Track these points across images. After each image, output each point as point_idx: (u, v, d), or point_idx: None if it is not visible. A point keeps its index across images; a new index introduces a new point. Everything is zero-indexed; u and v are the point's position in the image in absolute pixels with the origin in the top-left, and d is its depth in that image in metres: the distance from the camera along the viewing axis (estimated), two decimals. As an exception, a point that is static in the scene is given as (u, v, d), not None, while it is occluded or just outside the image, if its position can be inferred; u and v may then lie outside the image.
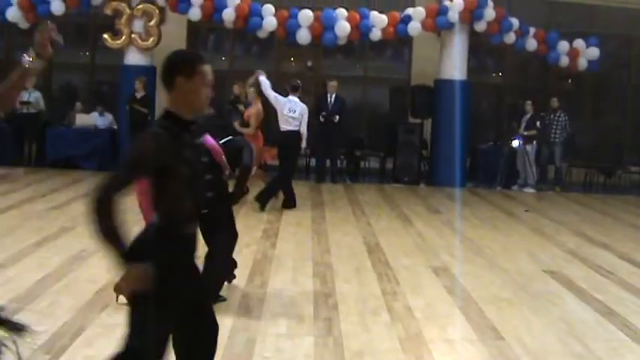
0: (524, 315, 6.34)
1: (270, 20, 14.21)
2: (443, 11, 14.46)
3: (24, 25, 14.72)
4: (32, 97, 14.93)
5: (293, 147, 11.14)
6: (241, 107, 12.87)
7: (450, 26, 14.56)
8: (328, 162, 14.35)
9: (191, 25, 16.11)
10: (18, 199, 10.74)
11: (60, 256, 7.39)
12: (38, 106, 14.99)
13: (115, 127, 15.11)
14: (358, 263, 7.88)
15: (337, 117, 13.98)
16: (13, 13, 14.34)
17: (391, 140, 15.42)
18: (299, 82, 11.55)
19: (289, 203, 11.10)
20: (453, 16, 14.41)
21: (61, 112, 15.95)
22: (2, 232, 8.50)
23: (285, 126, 11.09)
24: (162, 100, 13.96)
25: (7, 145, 14.89)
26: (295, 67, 17.80)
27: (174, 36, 15.59)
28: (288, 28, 14.29)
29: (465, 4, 14.35)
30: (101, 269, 6.99)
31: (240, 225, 9.58)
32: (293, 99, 11.20)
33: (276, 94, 11.17)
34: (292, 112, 11.06)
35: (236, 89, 14.02)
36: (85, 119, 15.00)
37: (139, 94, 14.16)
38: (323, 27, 14.24)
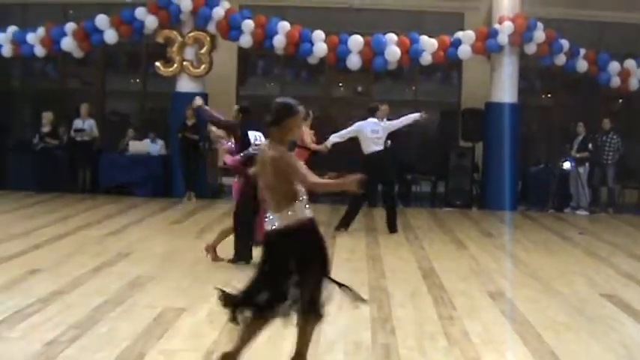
0: (583, 339, 6.24)
1: (320, 46, 14.32)
2: (492, 34, 14.42)
3: (78, 54, 15.08)
4: (86, 124, 15.26)
5: (380, 167, 11.17)
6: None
7: (500, 49, 14.51)
8: (380, 186, 14.30)
9: (242, 51, 16.29)
10: (74, 226, 10.95)
11: (118, 282, 7.50)
12: (92, 134, 15.31)
13: (167, 153, 15.34)
14: (414, 288, 7.84)
15: (389, 142, 13.95)
16: (67, 43, 14.70)
17: (442, 164, 15.35)
18: (376, 104, 11.69)
19: (344, 222, 11.17)
20: (503, 38, 14.36)
21: (114, 139, 16.23)
22: (60, 258, 8.67)
23: (373, 147, 11.16)
24: (214, 127, 14.02)
25: (62, 171, 15.23)
26: (345, 92, 17.88)
27: (225, 63, 15.84)
28: (338, 53, 14.37)
29: (514, 26, 14.29)
30: (159, 295, 7.10)
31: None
32: (372, 120, 11.31)
33: (353, 125, 11.28)
34: (376, 132, 11.22)
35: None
36: (138, 146, 15.25)
37: (190, 122, 14.35)
38: (373, 52, 14.29)
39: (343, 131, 11.40)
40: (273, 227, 4.76)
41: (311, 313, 4.74)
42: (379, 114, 14.34)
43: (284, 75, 17.70)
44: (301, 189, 4.75)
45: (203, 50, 14.63)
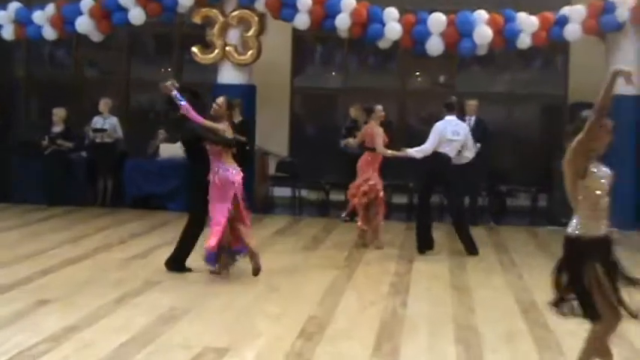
0: None
1: (393, 27, 14.21)
2: (609, 9, 14.13)
3: (96, 37, 15.24)
4: (107, 123, 15.41)
5: (444, 174, 11.22)
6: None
7: (618, 27, 14.20)
8: (467, 200, 14.15)
9: (297, 34, 16.31)
10: (92, 247, 11.04)
11: (145, 316, 7.50)
12: (114, 134, 15.46)
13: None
14: (510, 326, 7.72)
15: (478, 145, 13.79)
16: (83, 23, 14.85)
17: (544, 172, 15.11)
18: (454, 98, 11.64)
19: (426, 244, 11.27)
20: (622, 14, 14.05)
21: (142, 141, 16.36)
22: (75, 287, 8.73)
23: (445, 149, 11.20)
24: (263, 126, 14.28)
25: (77, 180, 15.42)
26: (423, 84, 17.76)
27: (277, 48, 15.85)
28: (415, 35, 14.25)
29: (638, -1, 14.00)
30: (196, 331, 7.09)
31: (362, 278, 9.68)
32: (451, 119, 11.30)
33: (432, 131, 11.25)
34: (456, 134, 11.23)
35: (353, 112, 14.07)
36: (171, 150, 15.30)
37: (235, 120, 14.33)
38: (458, 33, 14.13)
39: (427, 145, 11.22)
40: None
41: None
42: (467, 110, 14.24)
43: (348, 63, 17.66)
44: None
45: (250, 33, 14.66)
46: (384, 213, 11.82)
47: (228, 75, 14.89)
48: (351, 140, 12.34)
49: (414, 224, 11.63)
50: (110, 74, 18.57)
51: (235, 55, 14.71)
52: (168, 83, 9.35)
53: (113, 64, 18.29)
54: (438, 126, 11.26)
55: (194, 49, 14.91)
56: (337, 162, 14.85)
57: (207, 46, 14.84)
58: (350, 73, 17.55)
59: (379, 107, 11.83)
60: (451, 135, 11.17)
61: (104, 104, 15.60)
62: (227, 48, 14.70)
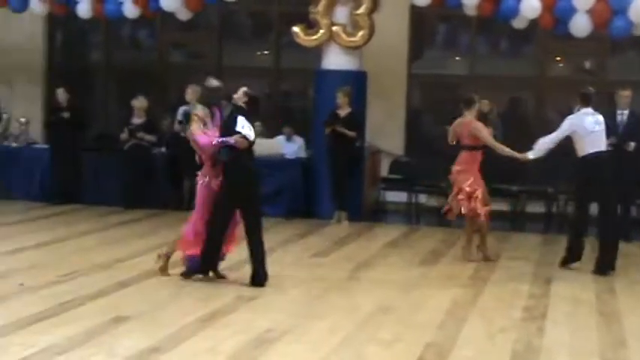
0: None
1: (530, 3, 14.00)
2: None
3: (184, 15, 15.44)
4: (195, 114, 15.56)
5: (600, 177, 11.12)
6: (490, 129, 12.77)
7: None
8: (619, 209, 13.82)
9: (415, 12, 16.23)
10: (175, 257, 11.11)
11: (237, 338, 7.51)
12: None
13: (309, 156, 15.52)
14: (671, 363, 7.53)
15: (632, 144, 13.48)
16: (169, 0, 15.08)
17: None
18: (591, 89, 11.44)
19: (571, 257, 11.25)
20: None
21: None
22: (156, 302, 8.82)
23: (594, 148, 11.06)
24: (375, 119, 14.29)
25: (160, 179, 15.62)
26: (566, 70, 17.51)
27: (392, 29, 15.82)
28: (557, 13, 14.02)
29: None
30: (296, 356, 7.08)
31: (489, 299, 9.54)
32: (588, 110, 11.17)
33: (564, 122, 11.20)
34: (598, 124, 11.14)
35: (485, 105, 13.90)
36: (267, 146, 15.39)
37: (343, 111, 14.38)
38: (610, 10, 13.85)
39: (554, 134, 11.27)
40: None
41: None
42: (619, 102, 13.96)
43: (476, 46, 17.53)
44: None
45: (361, 10, 14.66)
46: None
47: (335, 59, 14.93)
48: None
49: (553, 236, 11.45)
50: (198, 58, 18.83)
51: (343, 36, 14.73)
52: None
53: (202, 47, 18.54)
54: (572, 117, 11.23)
55: (295, 29, 14.99)
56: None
57: (310, 26, 14.89)
58: (478, 57, 17.39)
59: (485, 101, 11.88)
60: (593, 127, 11.04)
61: (191, 92, 15.66)
62: (334, 28, 14.73)
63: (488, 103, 14.11)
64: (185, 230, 9.84)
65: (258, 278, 9.64)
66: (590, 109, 11.18)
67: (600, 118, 11.18)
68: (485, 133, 11.62)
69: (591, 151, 11.00)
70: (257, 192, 10.19)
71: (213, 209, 9.67)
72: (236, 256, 11.18)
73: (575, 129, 11.09)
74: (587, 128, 11.03)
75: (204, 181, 9.80)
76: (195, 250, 9.67)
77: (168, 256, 10.00)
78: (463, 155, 11.64)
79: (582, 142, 11.05)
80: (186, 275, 9.78)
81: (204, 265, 9.77)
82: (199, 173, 9.89)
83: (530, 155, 11.35)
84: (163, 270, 9.92)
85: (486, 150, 11.72)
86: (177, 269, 9.95)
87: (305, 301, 9.08)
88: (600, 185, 11.10)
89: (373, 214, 15.27)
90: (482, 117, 13.79)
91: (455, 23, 17.44)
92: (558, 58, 17.49)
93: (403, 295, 9.54)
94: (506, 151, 11.51)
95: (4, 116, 16.46)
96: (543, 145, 11.29)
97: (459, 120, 11.78)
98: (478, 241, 11.74)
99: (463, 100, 11.93)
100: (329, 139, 14.43)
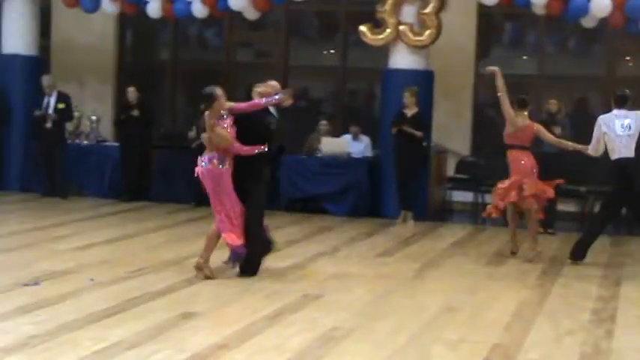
0: None
1: (600, 2, 13.85)
2: None
3: (252, 14, 15.51)
4: (263, 113, 15.61)
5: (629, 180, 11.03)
6: (557, 129, 12.69)
7: None
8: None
9: (483, 11, 16.14)
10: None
11: (303, 336, 7.51)
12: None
13: (375, 155, 15.50)
14: None
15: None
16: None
17: None
18: (627, 91, 11.36)
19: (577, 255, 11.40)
20: None
21: (301, 134, 16.54)
22: (223, 299, 8.86)
23: (620, 153, 10.96)
24: (441, 119, 14.25)
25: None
26: (635, 70, 17.27)
27: (460, 28, 15.76)
28: (627, 11, 13.84)
29: None
30: (361, 355, 7.07)
31: (557, 301, 9.43)
32: (620, 113, 11.08)
33: (598, 122, 11.17)
34: (627, 128, 10.98)
35: (553, 105, 13.79)
36: (333, 145, 15.44)
37: (410, 111, 14.34)
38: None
39: (594, 140, 11.19)
40: None
41: None
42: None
43: (543, 45, 17.38)
44: None
45: (428, 9, 14.61)
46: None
47: (402, 59, 14.91)
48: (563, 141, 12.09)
49: (621, 238, 11.32)
50: (265, 57, 18.87)
51: (410, 35, 14.68)
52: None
53: (269, 47, 18.59)
54: (602, 117, 11.20)
55: (362, 28, 14.98)
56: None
57: (377, 25, 14.87)
58: (545, 57, 17.24)
59: (553, 101, 11.90)
60: (621, 130, 10.92)
61: (259, 92, 15.74)
62: (401, 27, 14.70)
63: (556, 102, 13.99)
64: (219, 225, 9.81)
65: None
66: (622, 112, 11.04)
67: (630, 122, 10.98)
68: (549, 134, 11.62)
69: (617, 156, 10.92)
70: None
71: (261, 208, 9.88)
72: (303, 255, 11.29)
73: (604, 129, 11.00)
74: (616, 131, 10.93)
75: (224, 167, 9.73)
76: (236, 239, 9.63)
77: (206, 261, 9.82)
78: (516, 154, 11.69)
79: (610, 145, 10.99)
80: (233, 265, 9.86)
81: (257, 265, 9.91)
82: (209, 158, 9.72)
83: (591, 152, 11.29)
84: (210, 276, 9.69)
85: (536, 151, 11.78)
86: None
87: (370, 300, 9.07)
88: (627, 192, 11.03)
89: (439, 213, 15.21)
90: (550, 117, 13.71)
91: (522, 22, 17.30)
92: (628, 58, 17.26)
93: (469, 296, 9.48)
94: (571, 145, 11.54)
95: (76, 114, 16.66)
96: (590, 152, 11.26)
97: (517, 120, 11.69)
98: (511, 235, 11.92)
99: (517, 100, 11.86)
100: (396, 139, 14.39)
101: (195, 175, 9.80)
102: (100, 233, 12.37)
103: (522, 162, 11.52)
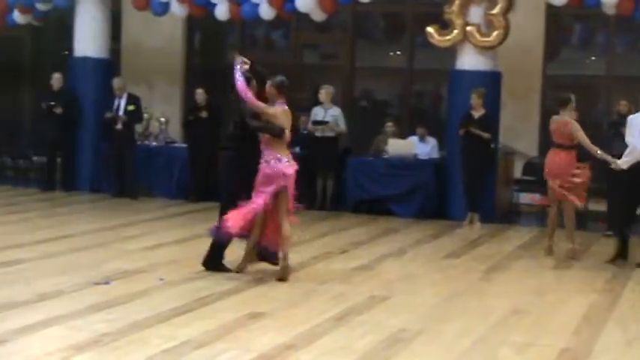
0: None
1: (672, 1, 13.69)
2: None
3: (318, 17, 15.54)
4: (329, 114, 15.62)
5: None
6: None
7: None
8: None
9: (551, 12, 16.01)
10: (309, 255, 11.25)
11: (370, 337, 7.52)
12: (337, 128, 15.64)
13: (442, 157, 15.46)
14: None
15: None
16: (305, 1, 15.23)
17: None
18: None
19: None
20: None
21: (367, 135, 16.56)
22: (290, 300, 8.90)
23: None
24: (508, 120, 14.20)
25: (297, 180, 15.71)
26: None
27: (528, 28, 15.66)
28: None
29: None
30: (430, 357, 7.07)
31: (628, 305, 9.31)
32: None
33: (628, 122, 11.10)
34: None
35: (623, 106, 13.63)
36: (400, 146, 15.42)
37: (477, 112, 14.27)
38: None
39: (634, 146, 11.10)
40: None
41: None
42: None
43: (612, 46, 17.21)
44: None
45: (495, 10, 14.53)
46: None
47: (469, 60, 14.85)
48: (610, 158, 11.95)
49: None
50: (332, 59, 18.90)
51: (478, 36, 14.62)
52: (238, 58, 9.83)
53: (335, 48, 18.61)
54: (631, 117, 11.22)
55: (430, 29, 14.95)
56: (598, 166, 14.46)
57: (444, 26, 14.82)
58: (615, 57, 17.06)
59: (623, 102, 11.88)
60: None
61: (325, 93, 15.80)
62: (468, 28, 14.65)
63: (627, 103, 13.81)
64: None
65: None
66: None
67: None
68: (582, 134, 11.48)
69: None
70: None
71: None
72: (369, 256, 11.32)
73: (632, 130, 10.96)
74: None
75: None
76: (232, 222, 9.52)
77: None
78: (554, 154, 11.73)
79: None
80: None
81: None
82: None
83: (624, 165, 11.09)
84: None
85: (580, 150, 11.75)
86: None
87: (437, 303, 9.04)
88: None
89: (506, 215, 15.13)
90: (621, 118, 13.55)
91: (592, 23, 17.14)
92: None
93: (536, 299, 9.40)
94: (599, 153, 11.39)
95: (145, 116, 16.85)
96: (625, 159, 11.10)
97: (554, 118, 11.74)
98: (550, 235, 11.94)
99: (558, 99, 11.82)
100: (463, 141, 14.34)
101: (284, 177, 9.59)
102: (169, 233, 12.49)
103: (557, 160, 11.61)
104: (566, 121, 11.56)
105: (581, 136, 11.48)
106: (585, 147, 11.50)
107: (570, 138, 11.55)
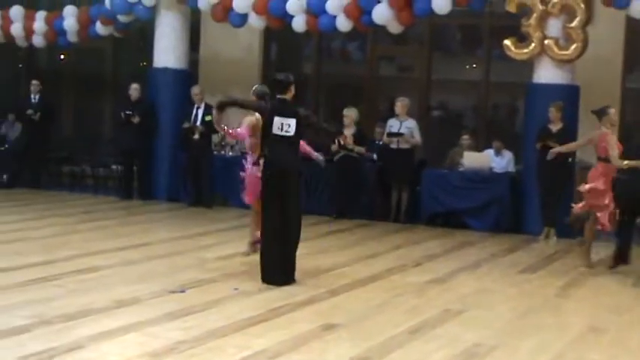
0: None
1: None
2: None
3: (395, 29, 15.50)
4: (404, 126, 15.57)
5: None
6: None
7: None
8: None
9: (632, 24, 15.77)
10: (383, 268, 11.24)
11: (445, 351, 7.48)
12: (412, 140, 15.59)
13: (518, 170, 15.32)
14: None
15: None
16: (382, 13, 15.15)
17: None
18: None
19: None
20: None
21: (442, 147, 16.51)
22: (364, 311, 8.89)
23: None
24: (584, 134, 13.98)
25: (370, 190, 15.76)
26: None
27: (606, 42, 15.46)
28: None
29: None
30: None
31: None
32: None
33: None
34: None
35: None
36: (476, 159, 15.31)
37: (555, 126, 14.12)
38: None
39: None
40: None
41: None
42: None
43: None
44: None
45: (574, 23, 14.36)
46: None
47: (547, 73, 14.71)
48: None
49: None
50: (408, 71, 18.85)
51: (556, 49, 14.47)
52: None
53: (411, 60, 18.55)
54: None
55: (507, 42, 14.82)
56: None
57: (522, 39, 14.70)
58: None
59: (612, 110, 11.86)
60: None
61: (401, 105, 15.76)
62: (546, 41, 14.50)
63: None
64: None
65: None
66: None
67: None
68: (613, 151, 11.47)
69: None
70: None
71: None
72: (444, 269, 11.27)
73: None
74: None
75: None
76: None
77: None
78: (596, 167, 11.85)
79: None
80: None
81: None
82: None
83: None
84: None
85: None
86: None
87: (513, 318, 8.96)
88: None
89: (583, 230, 14.92)
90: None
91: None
92: None
93: (614, 317, 9.25)
94: (624, 164, 11.43)
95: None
96: None
97: (596, 132, 11.75)
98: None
99: (596, 112, 11.78)
100: (540, 154, 14.19)
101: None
102: (244, 243, 12.52)
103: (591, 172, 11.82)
104: (604, 133, 11.56)
105: (612, 153, 11.46)
106: (612, 162, 11.50)
107: (603, 149, 11.60)
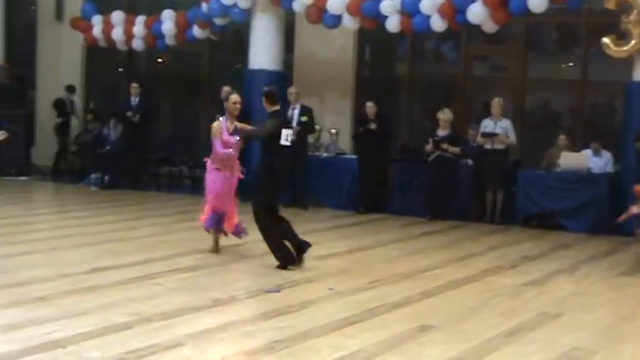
0: None
1: None
2: None
3: (490, 28, 15.34)
4: (499, 127, 15.47)
5: None
6: None
7: None
8: None
9: None
10: (478, 269, 11.15)
11: (542, 354, 7.39)
12: (507, 140, 15.44)
13: (617, 170, 15.07)
14: None
15: None
16: (477, 13, 14.99)
17: None
18: None
19: None
20: None
21: (538, 147, 16.31)
22: (460, 313, 8.84)
23: None
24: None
25: (464, 191, 15.69)
26: None
27: None
28: None
29: None
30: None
31: None
32: None
33: None
34: None
35: None
36: (573, 159, 15.06)
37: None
38: None
39: None
40: None
41: None
42: None
43: None
44: None
45: (675, 20, 14.08)
46: None
47: (646, 71, 14.45)
48: None
49: None
50: (503, 71, 18.67)
51: (656, 46, 14.19)
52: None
53: (506, 60, 18.36)
54: None
55: (606, 40, 14.56)
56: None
57: (621, 37, 14.43)
58: None
59: None
60: None
61: (496, 105, 15.65)
62: (646, 39, 14.23)
63: None
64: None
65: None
66: None
67: None
68: None
69: None
70: None
71: None
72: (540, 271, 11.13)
73: None
74: None
75: None
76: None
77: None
78: None
79: None
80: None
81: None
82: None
83: None
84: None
85: None
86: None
87: (612, 321, 8.79)
88: None
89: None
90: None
91: None
92: None
93: None
94: None
95: (317, 127, 16.99)
96: None
97: None
98: None
99: None
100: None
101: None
102: (338, 244, 12.55)
103: None
104: None
105: None
106: None
107: None
